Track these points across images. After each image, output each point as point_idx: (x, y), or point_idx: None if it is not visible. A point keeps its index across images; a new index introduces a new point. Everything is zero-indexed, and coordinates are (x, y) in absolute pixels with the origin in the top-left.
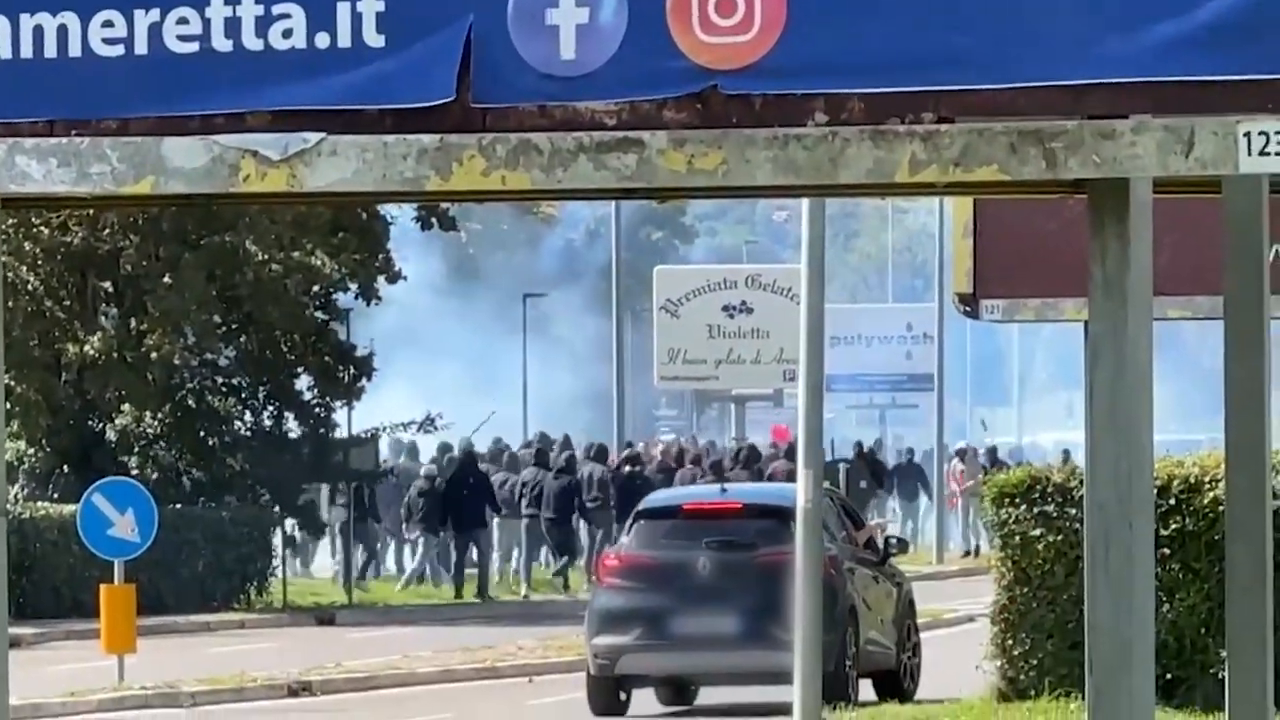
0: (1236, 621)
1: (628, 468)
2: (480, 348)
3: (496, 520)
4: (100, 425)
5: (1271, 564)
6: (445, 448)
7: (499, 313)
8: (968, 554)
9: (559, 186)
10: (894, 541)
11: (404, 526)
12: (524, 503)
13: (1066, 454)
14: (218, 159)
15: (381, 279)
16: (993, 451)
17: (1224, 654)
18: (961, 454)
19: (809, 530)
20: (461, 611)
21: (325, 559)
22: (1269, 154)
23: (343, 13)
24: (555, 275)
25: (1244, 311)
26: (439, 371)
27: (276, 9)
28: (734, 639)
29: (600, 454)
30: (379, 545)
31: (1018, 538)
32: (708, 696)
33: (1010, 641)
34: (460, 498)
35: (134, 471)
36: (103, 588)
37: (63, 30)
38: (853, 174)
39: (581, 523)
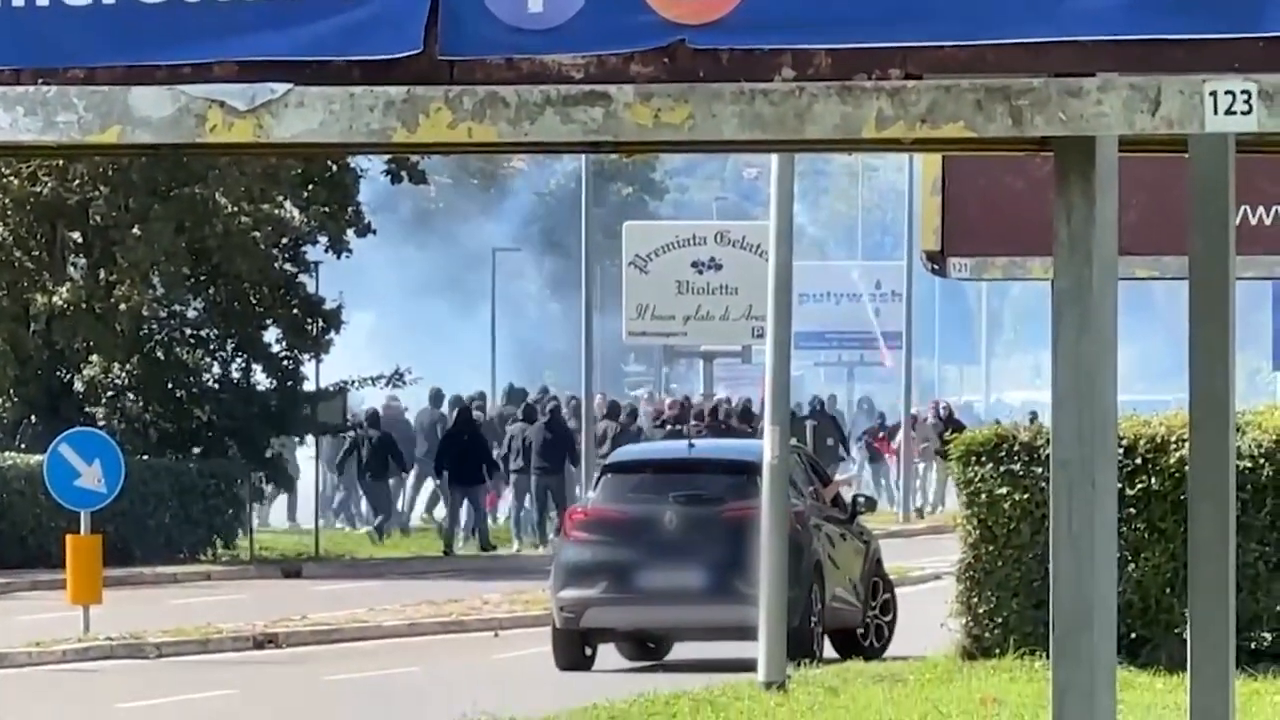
0: (1199, 581)
1: (670, 425)
2: (448, 301)
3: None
4: (68, 376)
5: (1235, 523)
6: (456, 400)
7: (468, 267)
8: (918, 512)
9: (526, 139)
10: (862, 500)
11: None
12: (515, 457)
13: (1034, 415)
14: (184, 109)
15: (351, 232)
16: (948, 410)
17: (1188, 613)
18: (913, 421)
19: (775, 486)
20: (429, 565)
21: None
22: (1235, 113)
23: None
24: (524, 230)
25: (1209, 272)
26: (407, 325)
27: None
28: (697, 593)
29: (613, 410)
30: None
31: (984, 496)
32: (679, 652)
33: (975, 599)
34: (457, 454)
35: (101, 422)
36: (69, 538)
37: None
38: (819, 129)
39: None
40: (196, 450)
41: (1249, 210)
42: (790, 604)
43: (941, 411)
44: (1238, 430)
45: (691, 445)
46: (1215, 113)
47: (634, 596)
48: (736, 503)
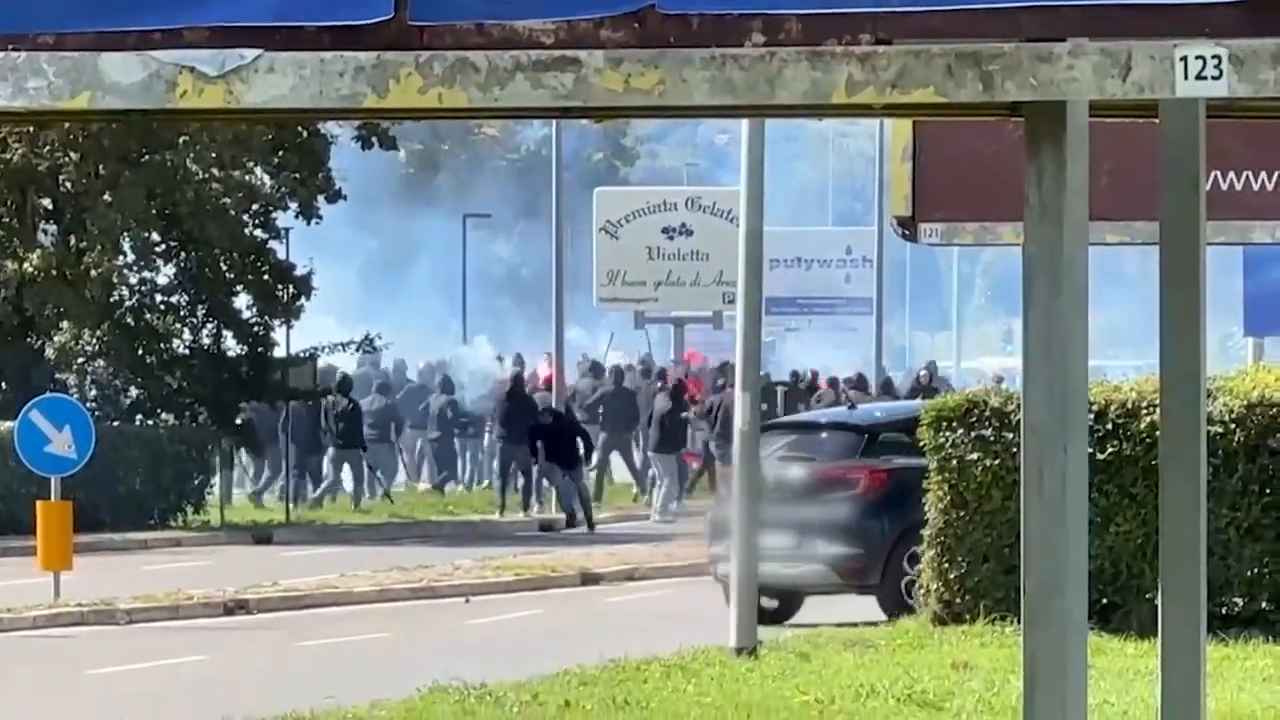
0: (1170, 546)
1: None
2: (419, 268)
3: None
4: (38, 342)
5: (1205, 489)
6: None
7: (439, 233)
8: None
9: (496, 105)
10: None
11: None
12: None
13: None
14: (155, 75)
15: (321, 198)
16: (929, 377)
17: (1159, 579)
18: (834, 385)
19: (746, 453)
20: (402, 531)
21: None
22: (1205, 78)
23: None
24: (496, 196)
25: (1180, 236)
26: (377, 291)
27: None
28: (801, 550)
29: (595, 369)
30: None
31: (955, 461)
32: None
33: (947, 565)
34: (547, 436)
35: (72, 388)
36: (39, 504)
37: None
38: (790, 94)
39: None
40: (167, 416)
41: (1219, 176)
42: (862, 562)
43: (922, 379)
44: (1209, 395)
45: (852, 407)
46: (1186, 78)
47: None
48: (843, 463)
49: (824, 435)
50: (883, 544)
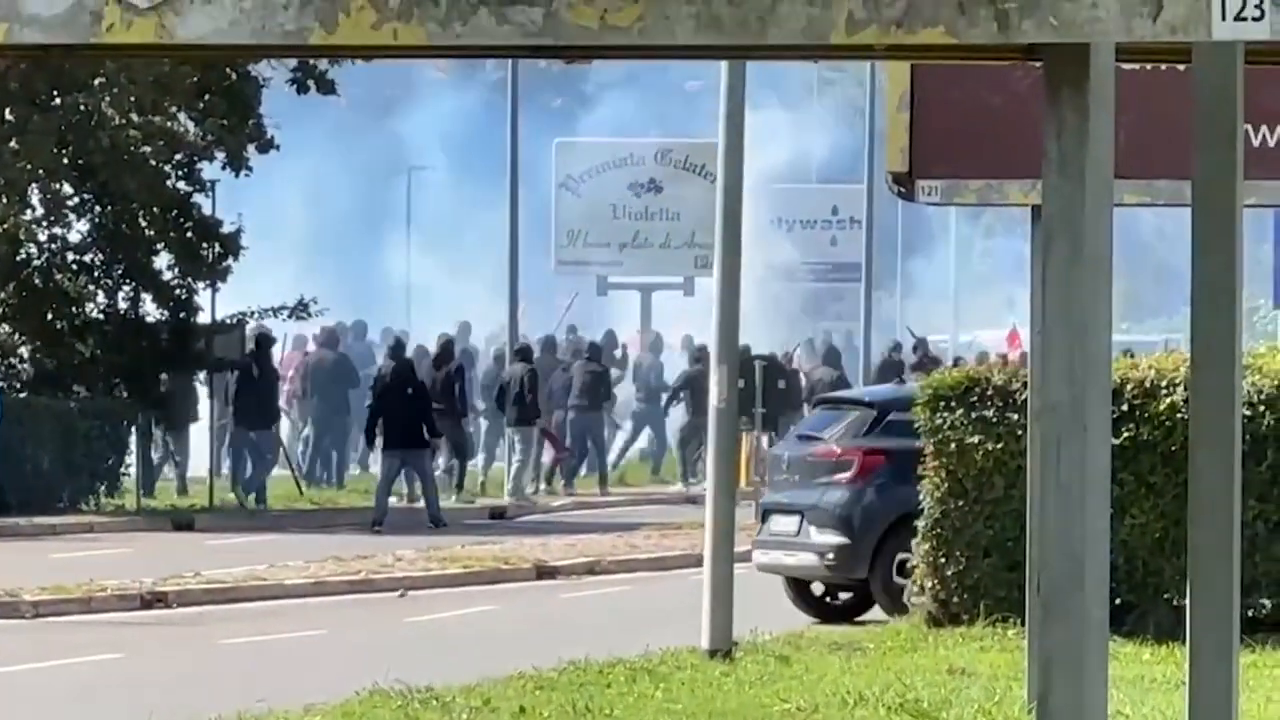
0: (1200, 542)
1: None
2: (359, 226)
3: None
4: None
5: (1239, 475)
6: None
7: (380, 187)
8: None
9: (457, 42)
10: None
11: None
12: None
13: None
14: (78, 5)
15: (252, 147)
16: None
17: (1180, 578)
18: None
19: (722, 431)
20: (332, 518)
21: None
22: (1245, 19)
23: None
24: (443, 146)
25: (1214, 197)
26: (312, 252)
27: None
28: (791, 537)
29: (524, 353)
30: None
31: (953, 445)
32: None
33: (944, 560)
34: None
35: None
36: None
37: None
38: (783, 33)
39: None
40: (79, 389)
41: (1251, 130)
42: (850, 553)
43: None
44: (1243, 371)
45: (901, 381)
46: (1224, 18)
47: (766, 540)
48: (844, 443)
49: (849, 411)
50: (865, 533)
